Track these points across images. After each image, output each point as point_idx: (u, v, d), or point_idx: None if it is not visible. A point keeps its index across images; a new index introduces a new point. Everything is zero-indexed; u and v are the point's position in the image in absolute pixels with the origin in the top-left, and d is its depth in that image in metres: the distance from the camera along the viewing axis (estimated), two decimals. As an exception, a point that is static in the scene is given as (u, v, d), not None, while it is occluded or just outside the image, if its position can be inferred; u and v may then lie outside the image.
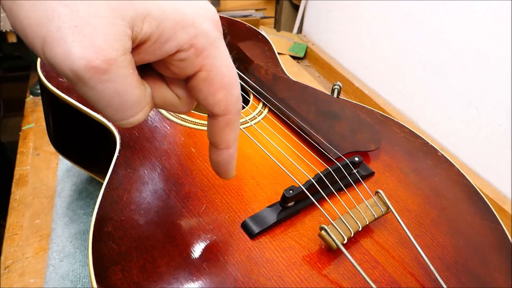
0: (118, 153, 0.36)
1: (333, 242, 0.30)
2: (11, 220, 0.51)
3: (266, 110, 0.46)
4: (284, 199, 0.33)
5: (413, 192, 0.38)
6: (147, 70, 0.21)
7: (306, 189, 0.33)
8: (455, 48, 0.67)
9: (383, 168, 0.41)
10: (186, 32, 0.18)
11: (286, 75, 0.54)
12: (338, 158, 0.39)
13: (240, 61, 0.54)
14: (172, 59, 0.19)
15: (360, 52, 0.91)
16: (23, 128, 0.68)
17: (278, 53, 0.61)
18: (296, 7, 1.11)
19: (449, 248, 0.33)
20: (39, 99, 0.75)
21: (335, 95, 0.51)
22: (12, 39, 0.78)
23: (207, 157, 0.38)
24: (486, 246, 0.34)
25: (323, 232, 0.30)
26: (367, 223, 0.32)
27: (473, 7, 0.63)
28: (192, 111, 0.43)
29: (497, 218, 0.37)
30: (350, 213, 0.32)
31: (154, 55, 0.19)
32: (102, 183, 0.34)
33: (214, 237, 0.30)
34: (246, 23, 0.66)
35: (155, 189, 0.33)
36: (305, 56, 1.05)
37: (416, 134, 0.46)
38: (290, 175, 0.37)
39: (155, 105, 0.21)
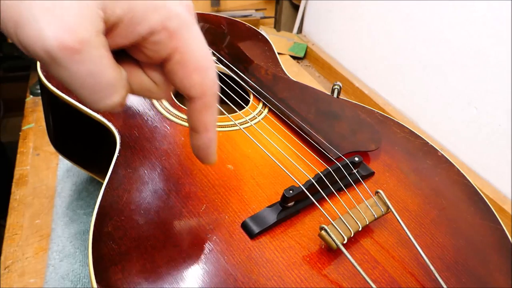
0: (118, 153, 0.36)
1: (333, 242, 0.30)
2: (11, 220, 0.51)
3: (266, 110, 0.46)
4: (284, 199, 0.33)
5: (413, 192, 0.38)
6: (123, 56, 0.21)
7: (306, 189, 0.33)
8: (455, 48, 0.67)
9: (383, 168, 0.41)
10: (157, 14, 0.19)
11: (286, 75, 0.54)
12: (338, 158, 0.39)
13: (240, 61, 0.54)
14: (146, 42, 0.19)
15: (360, 52, 0.91)
16: (23, 128, 0.68)
17: (278, 53, 0.61)
18: (296, 7, 1.11)
19: (449, 248, 0.33)
20: (39, 99, 0.75)
21: (335, 95, 0.51)
22: (12, 39, 0.78)
23: (207, 157, 0.38)
24: (486, 246, 0.34)
25: (323, 232, 0.30)
26: (367, 223, 0.32)
27: (473, 7, 0.63)
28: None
29: (497, 218, 0.37)
30: (350, 213, 0.32)
31: (127, 39, 0.19)
32: (102, 183, 0.34)
33: (214, 237, 0.30)
34: (246, 23, 0.66)
35: (155, 189, 0.33)
36: (305, 56, 1.05)
37: (416, 134, 0.46)
38: (290, 175, 0.37)
39: (133, 92, 0.22)
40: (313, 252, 0.31)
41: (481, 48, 0.62)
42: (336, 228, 0.31)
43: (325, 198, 0.34)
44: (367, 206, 0.33)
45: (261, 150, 0.40)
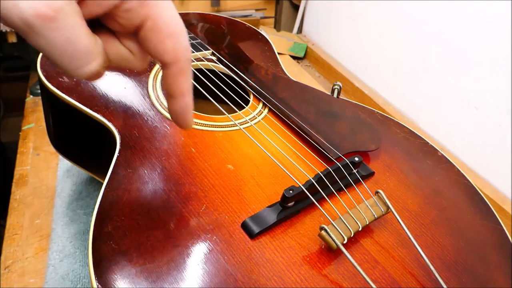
0: (118, 153, 0.36)
1: (333, 242, 0.30)
2: (11, 220, 0.51)
3: (266, 110, 0.46)
4: (284, 199, 0.33)
5: (413, 192, 0.38)
6: (99, 27, 0.22)
7: (306, 189, 0.33)
8: (455, 48, 0.67)
9: (383, 168, 0.41)
10: None
11: (286, 75, 0.54)
12: (338, 158, 0.39)
13: (240, 61, 0.54)
14: (118, 11, 0.20)
15: (360, 52, 0.91)
16: (23, 128, 0.68)
17: (278, 53, 0.61)
18: (296, 7, 1.11)
19: (449, 248, 0.33)
20: (39, 99, 0.75)
21: (335, 95, 0.51)
22: (12, 39, 0.78)
23: (207, 157, 0.38)
24: (486, 246, 0.34)
25: (323, 232, 0.30)
26: (367, 223, 0.32)
27: (473, 7, 0.63)
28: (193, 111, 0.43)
29: (497, 218, 0.37)
30: (350, 213, 0.32)
31: (100, 7, 0.20)
32: (102, 183, 0.34)
33: (214, 237, 0.30)
34: (246, 23, 0.66)
35: (155, 189, 0.33)
36: (305, 56, 1.05)
37: (416, 134, 0.46)
38: (290, 175, 0.37)
39: (111, 62, 0.23)
40: (313, 252, 0.31)
41: (481, 48, 0.63)
42: (336, 228, 0.31)
43: (325, 198, 0.34)
44: (367, 206, 0.33)
45: (261, 150, 0.40)
